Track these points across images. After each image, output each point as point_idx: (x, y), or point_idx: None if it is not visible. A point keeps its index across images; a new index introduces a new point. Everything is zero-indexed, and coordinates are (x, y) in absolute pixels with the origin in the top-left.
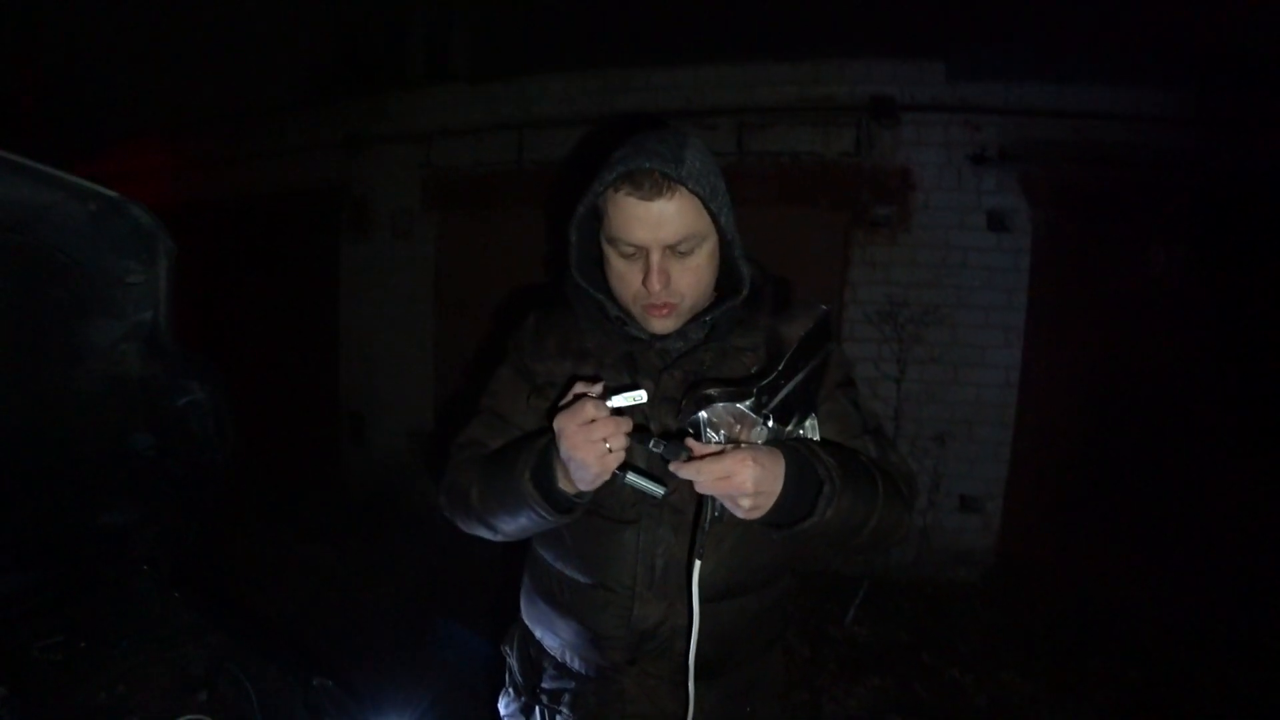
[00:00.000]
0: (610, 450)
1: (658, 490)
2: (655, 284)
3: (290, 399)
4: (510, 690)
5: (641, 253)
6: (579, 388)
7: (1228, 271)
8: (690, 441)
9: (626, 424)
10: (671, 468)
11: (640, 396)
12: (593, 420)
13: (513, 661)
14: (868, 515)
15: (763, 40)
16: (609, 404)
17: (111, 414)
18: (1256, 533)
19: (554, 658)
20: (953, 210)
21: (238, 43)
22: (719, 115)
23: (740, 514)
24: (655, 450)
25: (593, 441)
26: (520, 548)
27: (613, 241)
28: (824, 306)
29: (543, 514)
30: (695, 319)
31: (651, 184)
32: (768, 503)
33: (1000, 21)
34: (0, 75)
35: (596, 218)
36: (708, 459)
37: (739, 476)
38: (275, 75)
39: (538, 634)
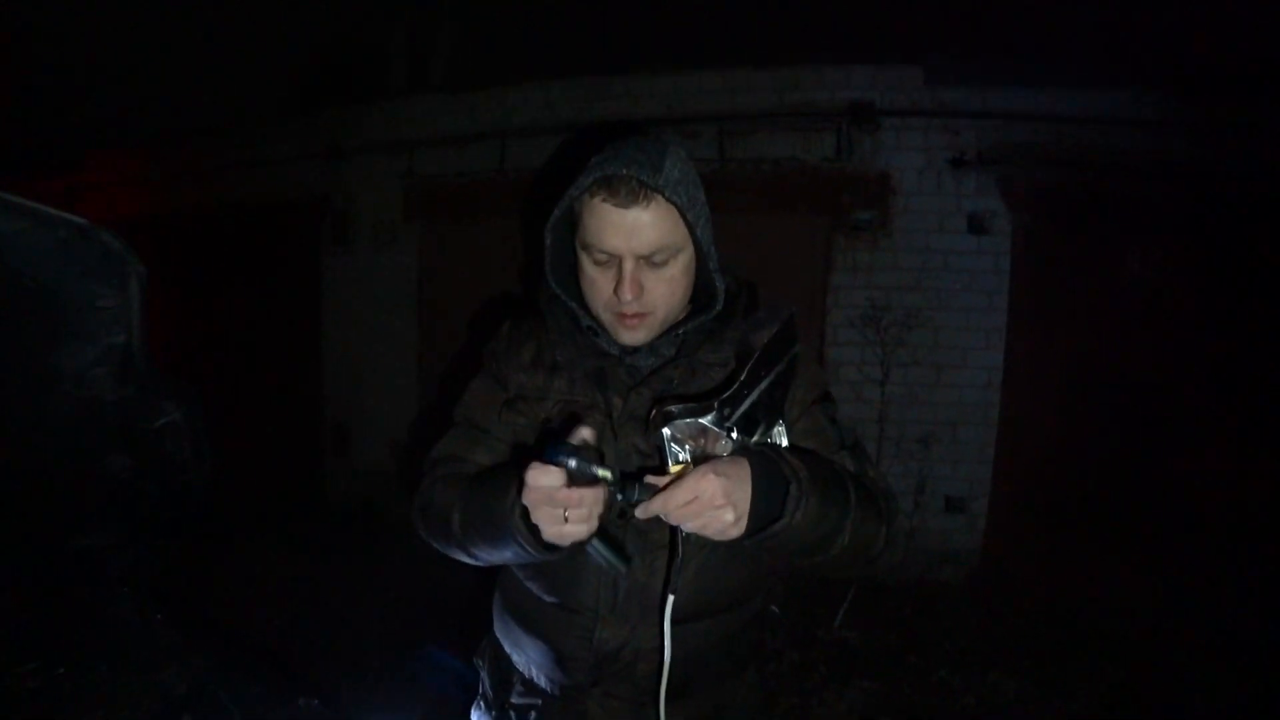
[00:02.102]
0: (567, 521)
1: (620, 566)
2: (627, 293)
3: (273, 411)
4: (481, 703)
5: (615, 260)
6: (540, 468)
7: (1205, 272)
8: (649, 478)
9: (592, 496)
10: (638, 512)
11: (605, 474)
12: (556, 491)
13: (484, 674)
14: (840, 521)
15: (743, 47)
16: (570, 467)
17: (86, 437)
18: (1238, 530)
19: (521, 674)
20: (933, 214)
21: (218, 53)
22: (700, 122)
23: (723, 535)
24: (623, 502)
25: (553, 512)
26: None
27: (587, 248)
28: (789, 309)
29: (530, 551)
30: (667, 333)
31: (628, 191)
32: (744, 510)
33: (977, 27)
34: None
35: (572, 222)
36: (669, 488)
37: (707, 493)
38: (256, 86)
39: (506, 649)
